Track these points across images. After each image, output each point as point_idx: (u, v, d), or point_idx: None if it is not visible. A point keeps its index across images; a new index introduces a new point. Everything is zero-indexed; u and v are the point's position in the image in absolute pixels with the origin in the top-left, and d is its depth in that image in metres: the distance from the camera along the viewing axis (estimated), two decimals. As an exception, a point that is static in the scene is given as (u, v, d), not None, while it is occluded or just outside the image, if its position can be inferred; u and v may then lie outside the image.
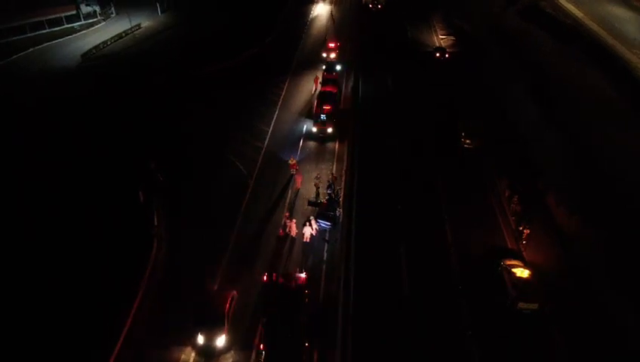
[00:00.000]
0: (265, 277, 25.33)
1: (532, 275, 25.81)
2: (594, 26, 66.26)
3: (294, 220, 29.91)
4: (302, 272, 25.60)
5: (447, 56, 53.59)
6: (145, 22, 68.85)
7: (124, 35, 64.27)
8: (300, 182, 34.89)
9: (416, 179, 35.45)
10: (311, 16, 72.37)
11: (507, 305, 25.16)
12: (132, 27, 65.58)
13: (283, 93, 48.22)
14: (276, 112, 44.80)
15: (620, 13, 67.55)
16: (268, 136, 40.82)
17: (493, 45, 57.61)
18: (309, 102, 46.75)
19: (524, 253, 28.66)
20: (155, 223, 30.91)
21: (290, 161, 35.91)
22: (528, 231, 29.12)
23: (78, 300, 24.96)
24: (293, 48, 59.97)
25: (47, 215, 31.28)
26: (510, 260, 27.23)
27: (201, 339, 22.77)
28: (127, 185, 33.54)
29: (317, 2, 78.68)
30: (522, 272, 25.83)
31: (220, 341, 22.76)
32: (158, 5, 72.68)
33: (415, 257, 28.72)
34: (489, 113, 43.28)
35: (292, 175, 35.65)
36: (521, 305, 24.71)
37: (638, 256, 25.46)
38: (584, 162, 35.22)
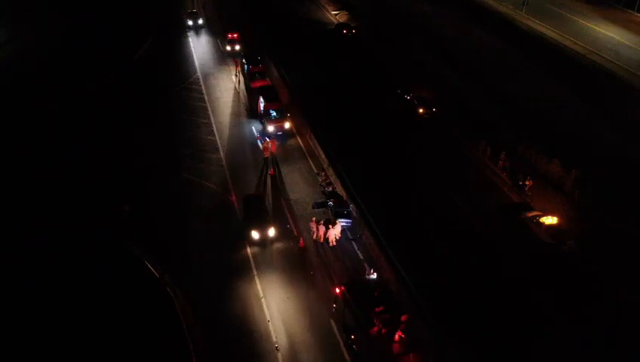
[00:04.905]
0: (339, 290, 22.75)
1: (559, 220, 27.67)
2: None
3: (322, 223, 27.47)
4: (372, 273, 23.96)
5: (354, 31, 53.20)
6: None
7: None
8: (275, 147, 34.92)
9: (398, 159, 35.04)
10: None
11: (548, 251, 26.60)
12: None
13: (205, 97, 43.38)
14: (211, 117, 40.09)
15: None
16: (220, 147, 36.44)
17: (383, 16, 59.56)
18: (238, 99, 43.13)
19: (531, 204, 30.34)
20: (156, 272, 25.80)
21: (265, 145, 34.86)
22: (530, 183, 30.81)
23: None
24: (185, 44, 54.41)
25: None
26: (530, 212, 28.77)
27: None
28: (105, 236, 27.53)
29: None
30: (552, 219, 27.46)
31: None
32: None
33: (439, 228, 28.87)
34: (426, 80, 44.49)
35: (265, 158, 34.61)
36: (564, 248, 26.41)
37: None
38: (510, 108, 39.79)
